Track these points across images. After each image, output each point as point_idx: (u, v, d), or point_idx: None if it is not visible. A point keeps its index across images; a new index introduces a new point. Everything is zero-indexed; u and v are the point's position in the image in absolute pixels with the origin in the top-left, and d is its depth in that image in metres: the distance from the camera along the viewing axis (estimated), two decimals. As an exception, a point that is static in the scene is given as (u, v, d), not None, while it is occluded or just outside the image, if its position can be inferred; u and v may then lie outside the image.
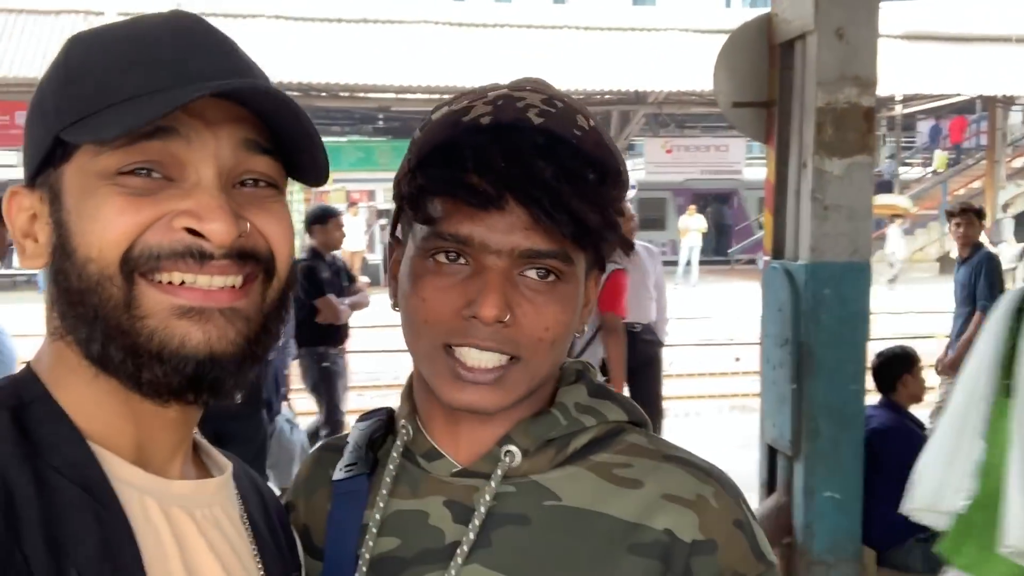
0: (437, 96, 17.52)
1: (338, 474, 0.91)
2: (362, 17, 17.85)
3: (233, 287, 0.70)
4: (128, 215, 0.67)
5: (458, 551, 0.81)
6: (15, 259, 14.84)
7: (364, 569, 0.85)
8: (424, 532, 0.84)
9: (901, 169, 21.53)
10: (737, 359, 10.00)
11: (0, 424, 0.67)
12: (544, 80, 0.86)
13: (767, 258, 4.37)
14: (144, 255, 0.67)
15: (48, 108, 0.71)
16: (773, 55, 4.17)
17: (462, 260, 0.80)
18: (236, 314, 0.70)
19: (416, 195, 0.80)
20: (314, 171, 0.75)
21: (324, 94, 16.66)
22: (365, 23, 17.68)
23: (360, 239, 18.26)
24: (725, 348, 11.02)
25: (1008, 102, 18.60)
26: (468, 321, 0.79)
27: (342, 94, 16.76)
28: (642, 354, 5.36)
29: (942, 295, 8.91)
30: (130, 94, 0.67)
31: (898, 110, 20.11)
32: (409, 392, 0.91)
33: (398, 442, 0.89)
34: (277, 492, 0.96)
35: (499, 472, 0.83)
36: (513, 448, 0.84)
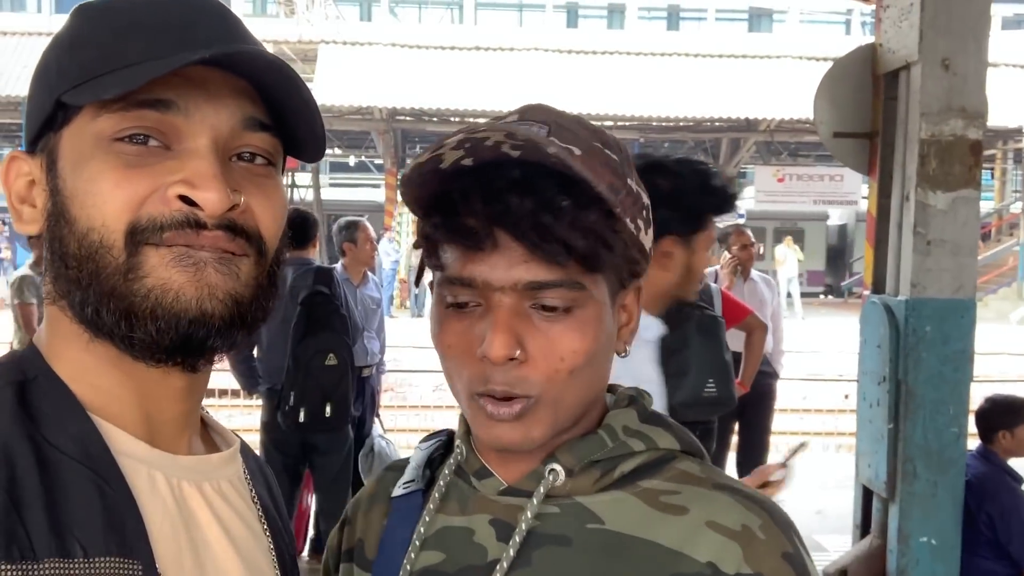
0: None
1: (397, 491, 0.94)
2: (475, 45, 18.20)
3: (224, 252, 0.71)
4: (125, 187, 0.67)
5: (496, 568, 0.82)
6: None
7: None
8: (468, 549, 0.85)
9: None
10: (846, 396, 9.69)
11: (4, 400, 0.67)
12: (541, 105, 0.85)
13: (867, 292, 4.26)
14: (151, 226, 0.68)
15: (51, 72, 0.71)
16: (877, 85, 4.08)
17: (475, 302, 0.80)
18: (230, 268, 0.70)
19: (427, 246, 0.82)
20: (312, 144, 0.75)
21: (436, 119, 17.03)
22: (477, 50, 18.02)
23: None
24: (834, 384, 10.69)
25: None
26: (483, 362, 0.79)
27: (453, 119, 17.10)
28: (758, 384, 5.26)
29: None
30: (134, 59, 0.67)
31: (1026, 141, 19.21)
32: None
33: (451, 460, 0.91)
34: None
35: (541, 490, 0.83)
36: (557, 467, 0.84)
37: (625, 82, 16.28)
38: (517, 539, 0.82)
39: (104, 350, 0.70)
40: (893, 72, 3.97)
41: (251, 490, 0.82)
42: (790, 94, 14.97)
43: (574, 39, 18.93)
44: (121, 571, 0.63)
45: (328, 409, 4.18)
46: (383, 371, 5.47)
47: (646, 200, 0.86)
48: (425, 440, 1.00)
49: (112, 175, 0.67)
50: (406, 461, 1.00)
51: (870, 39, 4.21)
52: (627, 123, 17.29)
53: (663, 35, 24.64)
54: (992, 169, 21.26)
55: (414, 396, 9.54)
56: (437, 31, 18.66)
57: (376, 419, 5.25)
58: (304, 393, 4.19)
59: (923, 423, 3.81)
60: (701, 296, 5.05)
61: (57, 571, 0.61)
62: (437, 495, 0.89)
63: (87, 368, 0.71)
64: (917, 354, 3.81)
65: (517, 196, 0.75)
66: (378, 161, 21.18)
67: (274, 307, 0.76)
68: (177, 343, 0.69)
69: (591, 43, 18.57)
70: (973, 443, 4.08)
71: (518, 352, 0.78)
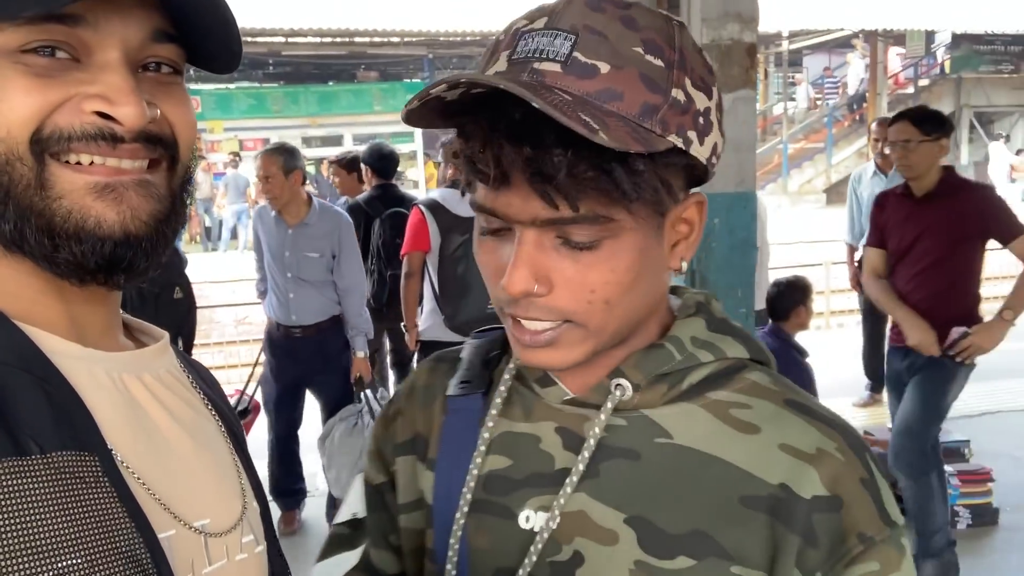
0: (329, 40, 17.17)
1: (453, 390, 0.92)
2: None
3: (141, 169, 0.70)
4: (34, 95, 0.66)
5: (568, 480, 0.81)
6: None
7: (471, 485, 0.86)
8: (535, 455, 0.84)
9: (789, 105, 22.13)
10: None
11: None
12: (576, 2, 0.76)
13: (660, 191, 4.55)
14: (55, 136, 0.66)
15: None
16: (660, -6, 4.30)
17: (506, 227, 0.77)
18: (149, 189, 0.70)
19: (459, 166, 0.77)
20: (224, 57, 0.75)
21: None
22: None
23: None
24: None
25: (888, 36, 19.28)
26: (504, 290, 0.76)
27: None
28: None
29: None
30: None
31: (784, 46, 20.64)
32: None
33: (511, 364, 0.89)
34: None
35: (609, 405, 0.81)
36: (624, 382, 0.82)
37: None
38: (586, 453, 0.81)
39: (22, 264, 0.70)
40: (674, -19, 4.19)
41: (188, 377, 0.83)
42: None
43: (352, -48, 18.36)
44: (78, 463, 0.64)
45: None
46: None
47: (701, 103, 0.77)
48: (476, 335, 0.98)
49: (22, 83, 0.66)
50: (452, 354, 0.98)
51: (651, -51, 4.40)
52: (415, 39, 17.10)
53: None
54: (757, 75, 22.63)
55: (217, 333, 9.27)
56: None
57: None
58: None
59: (716, 307, 4.17)
60: None
61: (16, 469, 0.60)
62: (499, 400, 0.88)
63: (6, 278, 0.70)
64: (707, 244, 4.14)
65: (516, 140, 0.71)
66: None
67: (188, 216, 0.78)
68: (102, 264, 0.69)
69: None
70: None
71: (536, 287, 0.75)
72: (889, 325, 3.97)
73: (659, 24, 0.76)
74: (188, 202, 0.76)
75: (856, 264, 5.78)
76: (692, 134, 0.76)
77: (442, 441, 0.91)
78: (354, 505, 1.00)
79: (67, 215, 0.67)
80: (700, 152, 0.77)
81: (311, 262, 4.38)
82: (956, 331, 3.57)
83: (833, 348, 7.43)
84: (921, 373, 3.69)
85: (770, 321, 4.57)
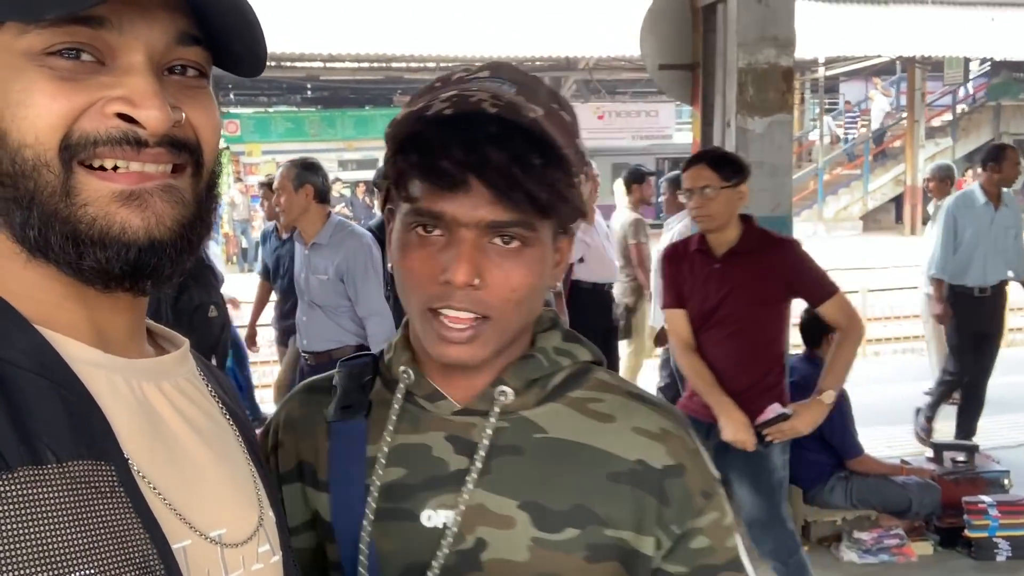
0: (366, 65, 17.36)
1: (334, 415, 1.01)
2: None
3: (165, 173, 0.70)
4: (61, 100, 0.65)
5: (468, 477, 0.93)
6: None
7: (376, 494, 0.96)
8: (428, 462, 0.96)
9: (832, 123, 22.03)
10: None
11: None
12: (506, 63, 0.95)
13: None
14: (82, 141, 0.66)
15: None
16: (696, 18, 4.31)
17: (438, 232, 0.89)
18: (174, 193, 0.70)
19: (397, 178, 0.90)
20: (250, 60, 0.74)
21: (273, 64, 16.37)
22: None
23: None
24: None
25: (926, 62, 19.14)
26: (445, 286, 0.89)
27: (269, 63, 16.49)
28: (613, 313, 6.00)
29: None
30: None
31: (821, 72, 20.56)
32: (407, 342, 1.01)
33: (401, 384, 0.99)
34: None
35: (496, 409, 0.95)
36: (506, 388, 0.96)
37: (442, 22, 16.19)
38: (482, 453, 0.94)
39: (45, 269, 0.69)
40: (710, 5, 4.20)
41: (207, 386, 0.82)
42: (607, 32, 15.33)
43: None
44: (94, 473, 0.63)
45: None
46: None
47: (587, 158, 0.97)
48: (345, 363, 1.07)
49: (47, 87, 0.65)
50: (324, 382, 1.06)
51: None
52: (451, 64, 17.26)
53: (478, -26, 24.51)
54: (793, 99, 22.54)
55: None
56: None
57: None
58: None
59: (751, 332, 4.12)
60: None
61: (32, 479, 0.60)
62: (394, 416, 0.98)
63: (29, 283, 0.69)
64: (743, 269, 4.12)
65: (495, 149, 0.84)
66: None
67: (215, 220, 0.77)
68: (127, 270, 0.68)
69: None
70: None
71: (476, 280, 0.88)
72: (687, 392, 3.51)
73: (556, 91, 0.95)
74: (214, 207, 0.75)
75: (940, 298, 5.59)
76: (583, 178, 0.94)
77: (331, 463, 1.00)
78: None
79: (92, 222, 0.66)
80: (584, 195, 0.94)
81: (320, 284, 4.16)
82: (772, 410, 3.18)
83: (870, 376, 7.33)
84: (739, 462, 3.26)
85: (804, 349, 4.51)
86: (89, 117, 0.66)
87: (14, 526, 0.58)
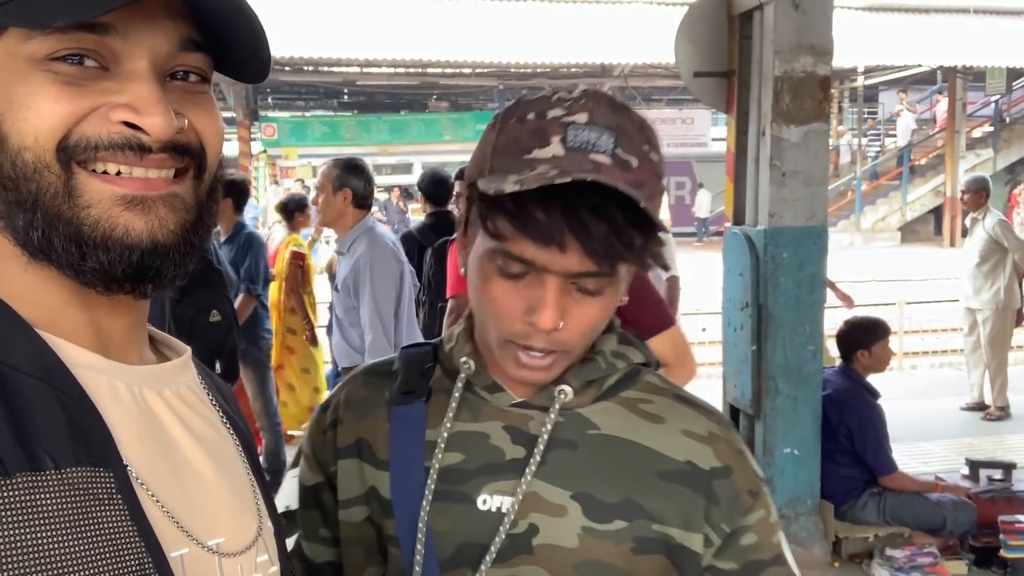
0: (402, 70, 17.46)
1: (395, 398, 1.07)
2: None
3: (167, 178, 0.70)
4: (63, 104, 0.66)
5: (527, 468, 0.98)
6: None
7: (434, 476, 1.00)
8: (485, 449, 1.01)
9: (863, 140, 21.78)
10: (704, 329, 10.14)
11: None
12: (603, 95, 0.95)
13: (728, 224, 4.48)
14: (81, 144, 0.66)
15: None
16: (732, 26, 4.27)
17: (524, 272, 0.93)
18: (176, 200, 0.70)
19: (488, 210, 0.92)
20: (252, 65, 0.75)
21: (288, 68, 16.54)
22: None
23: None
24: (691, 318, 11.16)
25: (967, 73, 18.86)
26: (529, 326, 0.93)
27: (306, 68, 16.65)
28: None
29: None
30: None
31: (860, 81, 20.34)
32: (470, 334, 1.06)
33: (462, 374, 1.04)
34: None
35: (556, 406, 1.01)
36: (567, 387, 1.01)
37: (483, 29, 16.23)
38: (541, 446, 0.99)
39: (46, 272, 0.69)
40: (747, 12, 4.16)
41: (208, 394, 0.82)
42: (642, 40, 15.29)
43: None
44: (92, 480, 0.63)
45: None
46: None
47: (663, 188, 0.99)
48: (407, 349, 1.13)
49: (50, 90, 0.66)
50: (384, 366, 1.12)
51: (723, -18, 4.37)
52: (486, 70, 17.29)
53: (515, -19, 24.56)
54: (830, 108, 22.33)
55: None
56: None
57: None
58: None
59: (783, 343, 4.08)
60: None
61: (29, 485, 0.60)
62: (454, 404, 1.03)
63: (30, 287, 0.69)
64: (776, 279, 4.06)
65: (594, 218, 0.88)
66: (228, 115, 20.45)
67: (214, 224, 0.77)
68: (129, 273, 0.68)
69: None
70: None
71: (561, 324, 0.93)
72: None
73: (647, 123, 0.96)
74: (214, 210, 0.76)
75: None
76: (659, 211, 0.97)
77: (392, 444, 1.05)
78: (288, 499, 1.13)
79: (95, 224, 0.67)
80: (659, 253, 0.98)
81: (337, 296, 3.95)
82: None
83: (906, 390, 7.21)
84: None
85: (840, 361, 4.45)
86: (91, 122, 0.66)
87: (10, 532, 0.58)
